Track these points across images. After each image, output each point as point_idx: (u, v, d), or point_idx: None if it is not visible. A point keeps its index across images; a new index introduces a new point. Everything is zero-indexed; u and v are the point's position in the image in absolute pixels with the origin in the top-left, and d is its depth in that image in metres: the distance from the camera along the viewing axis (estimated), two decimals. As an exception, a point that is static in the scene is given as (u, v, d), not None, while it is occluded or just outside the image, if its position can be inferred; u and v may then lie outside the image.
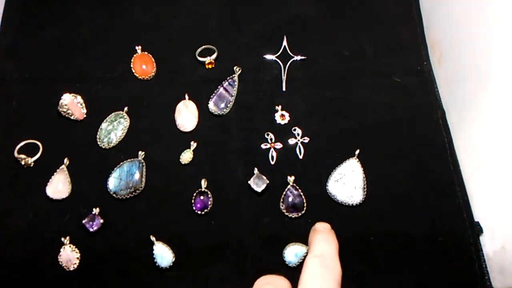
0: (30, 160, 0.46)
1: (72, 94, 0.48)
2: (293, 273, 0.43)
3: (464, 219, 0.45)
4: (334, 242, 0.37)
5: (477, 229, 0.44)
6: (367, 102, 0.50)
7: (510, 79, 0.41)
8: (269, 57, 0.52)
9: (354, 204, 0.45)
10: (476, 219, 0.45)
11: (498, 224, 0.42)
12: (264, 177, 0.45)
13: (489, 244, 0.43)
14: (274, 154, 0.47)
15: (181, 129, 0.48)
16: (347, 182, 0.46)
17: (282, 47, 0.53)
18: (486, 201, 0.44)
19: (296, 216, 0.45)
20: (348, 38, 0.53)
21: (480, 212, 0.45)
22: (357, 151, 0.47)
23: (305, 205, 0.45)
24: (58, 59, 0.52)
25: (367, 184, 0.46)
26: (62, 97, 0.47)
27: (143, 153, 0.47)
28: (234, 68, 0.51)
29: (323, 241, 0.36)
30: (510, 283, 0.40)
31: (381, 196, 0.46)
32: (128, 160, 0.46)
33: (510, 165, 0.41)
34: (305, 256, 0.43)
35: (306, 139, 0.48)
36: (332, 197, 0.45)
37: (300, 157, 0.47)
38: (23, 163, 0.46)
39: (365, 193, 0.45)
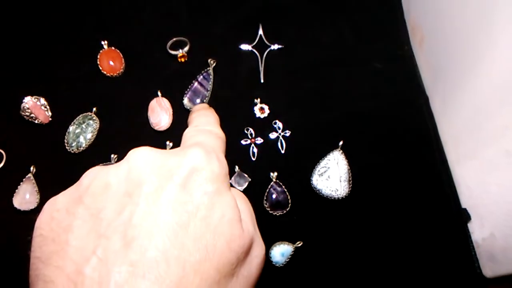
0: (-7, 170, 0.43)
1: (35, 96, 0.45)
2: (281, 273, 0.42)
3: (451, 207, 0.44)
4: (212, 115, 0.38)
5: (464, 217, 0.43)
6: (348, 91, 0.48)
7: (494, 61, 0.39)
8: (244, 47, 0.50)
9: (340, 198, 0.44)
10: (463, 206, 0.44)
11: (486, 210, 0.41)
12: (246, 175, 0.43)
13: (477, 231, 0.42)
14: (255, 150, 0.45)
15: (156, 128, 0.46)
16: (332, 175, 0.44)
17: (258, 36, 0.50)
18: (473, 187, 0.43)
19: (281, 213, 0.43)
20: (326, 24, 0.51)
21: (467, 199, 0.44)
22: (341, 143, 0.45)
23: (289, 201, 0.43)
24: (18, 59, 0.48)
25: (352, 176, 0.44)
26: (23, 100, 0.44)
27: (115, 156, 0.44)
28: (209, 60, 0.49)
29: (199, 116, 0.38)
30: (501, 270, 0.39)
31: (367, 188, 0.44)
32: (100, 164, 0.43)
33: (496, 150, 0.40)
34: (291, 255, 0.42)
35: (288, 133, 0.46)
36: (317, 191, 0.44)
37: (282, 151, 0.45)
38: (-15, 174, 0.43)
39: (351, 185, 0.44)
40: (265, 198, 0.43)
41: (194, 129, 0.34)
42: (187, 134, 0.33)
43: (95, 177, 0.26)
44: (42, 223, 0.25)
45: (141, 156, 0.27)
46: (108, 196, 0.24)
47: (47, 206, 0.26)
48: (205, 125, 0.34)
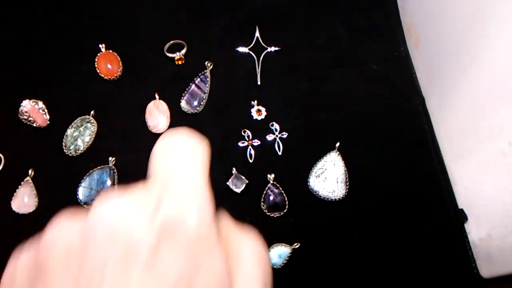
0: (-8, 174, 0.43)
1: (33, 100, 0.45)
2: (278, 274, 0.42)
3: (448, 207, 0.44)
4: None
5: (461, 217, 0.44)
6: (344, 92, 0.48)
7: (490, 61, 0.39)
8: (241, 49, 0.50)
9: (337, 199, 0.44)
10: (460, 207, 0.44)
11: (483, 211, 0.42)
12: (243, 177, 0.44)
13: (474, 231, 0.42)
14: (252, 152, 0.46)
15: (153, 131, 0.46)
16: (329, 177, 0.44)
17: (255, 38, 0.50)
18: (469, 187, 0.44)
19: (278, 215, 0.43)
20: (322, 25, 0.51)
21: (464, 199, 0.44)
22: (337, 144, 0.46)
23: (287, 203, 0.43)
24: (16, 63, 0.48)
25: (349, 178, 0.44)
26: (22, 104, 0.44)
27: (113, 159, 0.44)
28: (206, 63, 0.49)
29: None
30: (498, 270, 0.39)
31: (364, 189, 0.44)
32: (98, 167, 0.44)
33: (492, 150, 0.40)
34: (289, 257, 0.42)
35: (285, 134, 0.46)
36: (314, 193, 0.44)
37: (279, 153, 0.46)
38: (-17, 177, 0.43)
39: (348, 187, 0.44)
40: (262, 200, 0.43)
41: (166, 146, 0.23)
42: (155, 156, 0.22)
43: (57, 240, 0.21)
44: (4, 283, 0.22)
45: (103, 223, 0.20)
46: (67, 271, 0.20)
47: (11, 263, 0.22)
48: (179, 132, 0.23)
